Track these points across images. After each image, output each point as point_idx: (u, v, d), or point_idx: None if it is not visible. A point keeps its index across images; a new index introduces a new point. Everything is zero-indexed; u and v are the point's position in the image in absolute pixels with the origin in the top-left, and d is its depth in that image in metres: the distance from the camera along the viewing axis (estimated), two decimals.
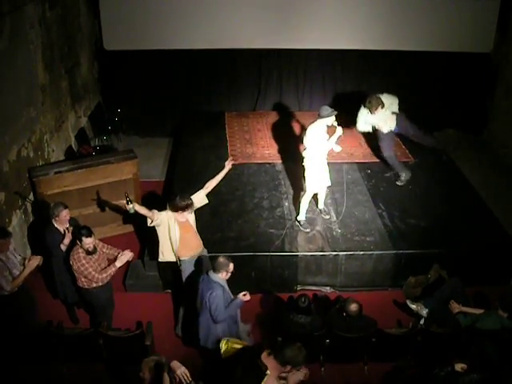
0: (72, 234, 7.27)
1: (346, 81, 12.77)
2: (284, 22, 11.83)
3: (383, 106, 9.36)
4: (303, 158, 8.37)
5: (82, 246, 6.80)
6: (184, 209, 7.11)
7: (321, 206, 9.11)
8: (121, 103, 12.20)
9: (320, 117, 8.10)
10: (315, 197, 8.93)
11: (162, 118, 12.62)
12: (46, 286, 8.32)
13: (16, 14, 8.44)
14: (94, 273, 6.84)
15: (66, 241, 7.29)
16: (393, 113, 9.52)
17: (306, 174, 8.44)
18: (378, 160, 10.68)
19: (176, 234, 7.22)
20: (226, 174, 7.81)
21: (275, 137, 11.46)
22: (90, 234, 6.79)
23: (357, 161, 10.78)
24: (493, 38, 12.03)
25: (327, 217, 9.07)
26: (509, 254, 8.51)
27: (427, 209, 9.36)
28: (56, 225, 7.34)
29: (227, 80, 12.60)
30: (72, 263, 6.83)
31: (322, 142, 8.12)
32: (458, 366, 6.20)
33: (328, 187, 8.90)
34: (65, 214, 7.28)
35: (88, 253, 6.83)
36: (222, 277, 6.46)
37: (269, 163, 10.65)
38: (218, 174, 7.70)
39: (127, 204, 7.16)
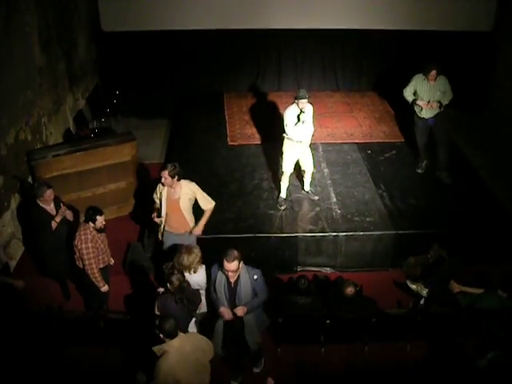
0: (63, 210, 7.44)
1: (345, 61, 12.70)
2: (283, 2, 11.75)
3: (438, 74, 9.06)
4: (283, 138, 8.41)
5: (94, 227, 6.87)
6: (167, 172, 7.09)
7: (307, 187, 9.12)
8: (119, 85, 12.12)
9: (294, 98, 8.12)
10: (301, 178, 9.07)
11: (161, 99, 12.52)
12: (35, 265, 8.36)
13: None
14: (93, 260, 6.86)
15: (58, 218, 7.36)
16: (439, 102, 9.20)
17: (283, 153, 8.51)
18: (377, 140, 10.66)
19: (163, 208, 7.37)
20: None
21: (274, 117, 11.41)
22: (101, 212, 6.93)
23: (357, 141, 10.74)
24: (493, 16, 11.93)
25: (316, 198, 9.07)
26: (509, 233, 8.50)
27: (427, 189, 9.35)
28: (42, 204, 7.37)
29: (226, 61, 12.51)
30: (77, 243, 6.85)
31: (297, 123, 8.11)
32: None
33: (312, 170, 8.92)
34: (49, 194, 7.33)
35: (101, 230, 6.94)
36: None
37: (268, 144, 10.58)
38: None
39: (158, 217, 7.47)
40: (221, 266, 6.17)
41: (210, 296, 6.48)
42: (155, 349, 5.38)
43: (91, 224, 6.86)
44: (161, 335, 5.39)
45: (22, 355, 6.75)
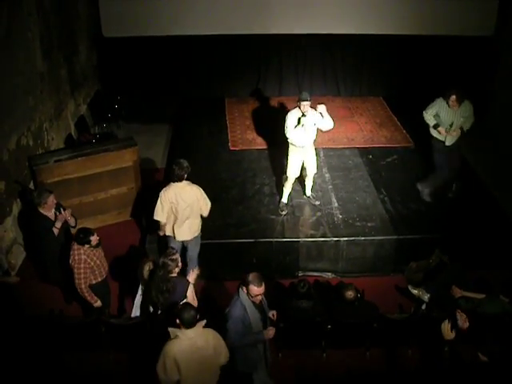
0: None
1: (346, 66, 12.71)
2: (284, 7, 11.77)
3: (460, 103, 8.56)
4: (287, 143, 8.40)
5: (90, 246, 6.78)
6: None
7: (308, 192, 9.12)
8: (120, 90, 12.14)
9: (297, 101, 8.07)
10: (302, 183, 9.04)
11: (162, 104, 12.54)
12: (36, 270, 8.34)
13: (13, 0, 8.38)
14: (82, 281, 6.80)
15: (58, 224, 7.33)
16: (461, 128, 8.71)
17: (288, 158, 8.50)
18: (379, 145, 10.67)
19: None
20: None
21: (275, 122, 11.40)
22: (92, 231, 6.83)
23: (358, 146, 10.75)
24: (494, 21, 11.94)
25: (317, 202, 9.08)
26: (510, 238, 8.49)
27: None
28: (43, 211, 7.34)
29: (227, 66, 12.53)
30: (71, 263, 6.79)
31: (296, 127, 8.10)
32: None
33: (315, 174, 8.91)
34: (52, 199, 7.32)
35: (96, 246, 6.86)
36: (246, 294, 5.77)
37: (269, 149, 10.59)
38: None
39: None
40: (247, 295, 5.74)
41: (244, 343, 5.82)
42: (171, 329, 5.35)
43: (86, 245, 6.78)
44: (177, 321, 5.34)
45: (23, 359, 6.75)
